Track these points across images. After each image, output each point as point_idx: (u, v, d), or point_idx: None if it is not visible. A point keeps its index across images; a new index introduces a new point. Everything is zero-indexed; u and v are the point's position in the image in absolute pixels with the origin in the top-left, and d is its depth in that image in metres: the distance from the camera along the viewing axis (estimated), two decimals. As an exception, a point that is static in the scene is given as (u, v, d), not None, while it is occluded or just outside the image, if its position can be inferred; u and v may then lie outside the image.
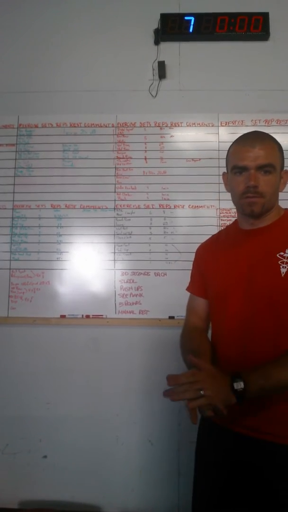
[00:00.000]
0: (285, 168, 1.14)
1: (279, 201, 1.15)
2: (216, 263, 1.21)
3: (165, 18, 2.07)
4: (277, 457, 1.00)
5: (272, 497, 0.99)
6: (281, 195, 1.15)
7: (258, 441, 1.02)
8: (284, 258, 1.04)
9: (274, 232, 1.11)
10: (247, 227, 1.15)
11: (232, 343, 1.10)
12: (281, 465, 1.00)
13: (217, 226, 1.99)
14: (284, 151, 1.95)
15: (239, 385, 0.91)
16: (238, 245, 1.16)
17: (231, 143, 1.18)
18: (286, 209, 1.17)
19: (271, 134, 1.15)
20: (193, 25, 2.06)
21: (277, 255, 1.05)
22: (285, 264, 1.03)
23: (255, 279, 1.08)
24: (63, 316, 2.00)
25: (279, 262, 1.04)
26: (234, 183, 1.11)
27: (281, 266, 1.03)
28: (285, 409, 1.01)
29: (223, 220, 1.98)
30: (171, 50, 2.11)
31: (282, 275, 1.03)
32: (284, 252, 1.04)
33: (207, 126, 2.06)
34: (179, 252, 2.00)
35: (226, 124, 2.06)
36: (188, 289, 1.35)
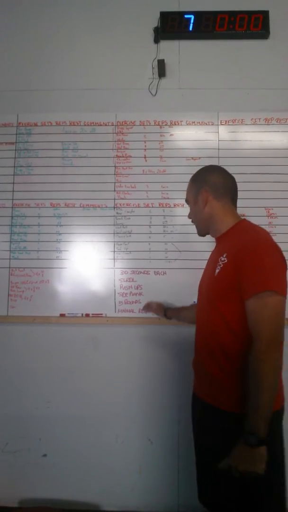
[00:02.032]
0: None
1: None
2: (205, 266, 1.51)
3: (165, 17, 2.07)
4: (217, 418, 1.27)
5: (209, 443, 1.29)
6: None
7: (207, 404, 1.31)
8: (221, 262, 1.28)
9: (223, 240, 1.37)
10: (213, 236, 1.45)
11: (197, 326, 1.44)
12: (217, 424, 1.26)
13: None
14: (283, 150, 1.97)
15: (257, 442, 1.09)
16: (212, 253, 1.47)
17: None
18: (241, 220, 1.38)
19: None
20: (193, 23, 2.06)
21: (218, 259, 1.30)
22: (219, 266, 1.28)
23: (205, 278, 1.42)
24: (62, 315, 2.00)
25: (217, 265, 1.30)
26: None
27: (217, 268, 1.29)
28: (226, 383, 1.25)
29: (222, 219, 1.98)
30: (170, 49, 2.11)
31: (215, 274, 1.29)
32: (222, 256, 1.28)
33: (207, 124, 2.06)
34: (179, 251, 2.00)
35: (226, 122, 2.06)
36: None
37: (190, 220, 1.48)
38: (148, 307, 1.89)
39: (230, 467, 1.12)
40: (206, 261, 1.49)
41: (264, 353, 1.13)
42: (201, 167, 1.47)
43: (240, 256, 1.21)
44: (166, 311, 1.82)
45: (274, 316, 1.15)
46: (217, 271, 1.29)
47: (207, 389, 1.33)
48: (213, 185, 1.38)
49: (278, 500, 1.23)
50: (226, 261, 1.26)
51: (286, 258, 1.25)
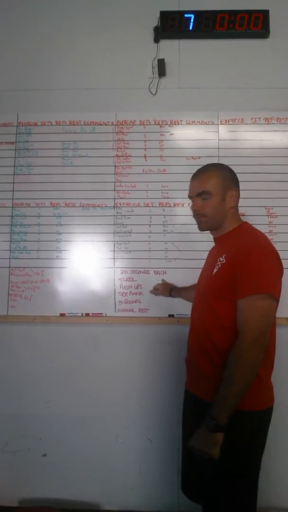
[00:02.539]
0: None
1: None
2: (204, 263, 1.55)
3: (165, 16, 2.07)
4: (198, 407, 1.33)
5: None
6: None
7: (200, 399, 1.35)
8: (219, 262, 1.32)
9: (223, 241, 1.40)
10: (214, 236, 1.47)
11: (191, 323, 1.48)
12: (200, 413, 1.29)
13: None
14: (283, 150, 1.97)
15: (214, 427, 1.18)
16: (211, 250, 1.52)
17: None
18: (243, 222, 1.42)
19: (220, 164, 1.49)
20: (193, 22, 2.06)
21: (217, 259, 1.33)
22: (217, 266, 1.32)
23: (203, 276, 1.47)
24: (62, 315, 2.00)
25: (215, 264, 1.33)
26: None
27: (215, 267, 1.33)
28: (218, 379, 1.26)
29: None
30: (170, 48, 2.11)
31: (213, 274, 1.33)
32: (221, 257, 1.32)
33: (207, 124, 2.06)
34: (179, 250, 2.00)
35: (226, 122, 2.05)
36: None
37: (195, 210, 1.40)
38: (155, 290, 1.90)
39: (190, 446, 1.23)
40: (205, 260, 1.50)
41: (245, 351, 1.18)
42: (203, 164, 1.47)
43: (239, 258, 1.25)
44: (171, 291, 1.85)
45: (262, 318, 1.20)
46: (215, 270, 1.33)
47: (199, 384, 1.37)
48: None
49: (250, 499, 1.32)
50: (224, 261, 1.30)
51: (285, 258, 1.27)
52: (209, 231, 1.46)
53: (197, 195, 1.39)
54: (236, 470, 1.25)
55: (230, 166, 1.47)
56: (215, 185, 1.37)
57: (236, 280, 1.24)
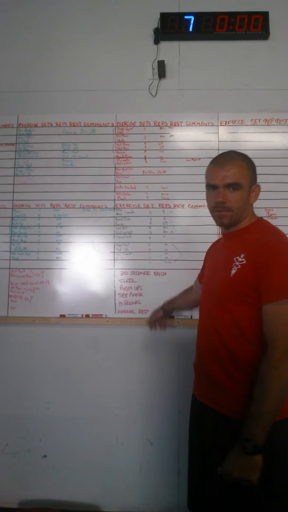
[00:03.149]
0: (258, 182, 1.31)
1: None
2: (209, 261, 1.48)
3: (165, 17, 2.07)
4: (228, 426, 1.19)
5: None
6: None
7: (216, 411, 1.25)
8: (237, 262, 1.20)
9: (238, 238, 1.28)
10: (224, 231, 1.37)
11: (200, 328, 1.37)
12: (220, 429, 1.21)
13: (217, 225, 1.99)
14: (283, 151, 1.96)
15: (254, 449, 1.05)
16: (220, 248, 1.41)
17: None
18: (259, 218, 1.33)
19: (244, 153, 1.32)
20: (193, 24, 2.06)
21: (234, 259, 1.22)
22: (236, 267, 1.20)
23: (215, 277, 1.32)
24: (62, 316, 2.00)
25: (232, 265, 1.21)
26: (207, 198, 1.32)
27: (232, 268, 1.21)
28: (238, 392, 1.19)
29: (222, 219, 1.98)
30: (170, 50, 2.11)
31: (231, 275, 1.21)
32: (239, 256, 1.21)
33: (206, 125, 2.06)
34: (179, 252, 2.00)
35: (226, 123, 2.06)
36: (198, 275, 1.70)
37: (222, 203, 1.24)
38: (152, 324, 1.79)
39: (223, 472, 1.08)
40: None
41: (279, 361, 1.08)
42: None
43: (263, 258, 1.14)
44: (163, 309, 1.77)
45: None
46: (233, 271, 1.20)
47: (217, 397, 1.25)
48: None
49: None
50: (244, 262, 1.18)
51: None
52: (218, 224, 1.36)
53: (226, 185, 1.23)
54: (273, 490, 1.11)
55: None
56: (246, 177, 1.24)
57: (261, 283, 1.13)
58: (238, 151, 1.33)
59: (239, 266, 1.19)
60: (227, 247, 1.32)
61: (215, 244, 1.52)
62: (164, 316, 1.78)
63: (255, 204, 1.87)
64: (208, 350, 1.29)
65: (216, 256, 1.40)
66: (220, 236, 1.54)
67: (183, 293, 1.71)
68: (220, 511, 1.20)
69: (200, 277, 1.62)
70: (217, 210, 1.26)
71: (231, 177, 1.22)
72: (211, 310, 1.29)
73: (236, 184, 1.22)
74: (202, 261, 1.63)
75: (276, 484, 1.12)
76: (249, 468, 1.05)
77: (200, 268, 1.65)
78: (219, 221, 1.29)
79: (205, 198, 1.35)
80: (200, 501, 1.32)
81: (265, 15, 2.03)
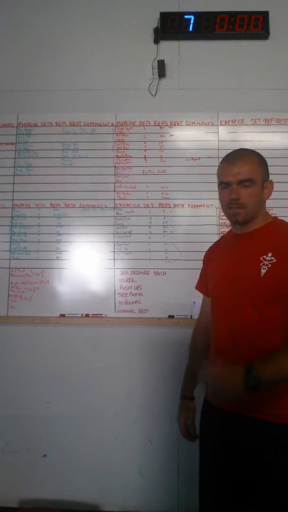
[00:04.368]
0: (270, 178, 1.29)
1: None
2: (215, 263, 1.38)
3: (165, 17, 2.07)
4: (258, 432, 1.12)
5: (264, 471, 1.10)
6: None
7: (247, 417, 1.14)
8: (266, 261, 1.17)
9: (259, 237, 1.25)
10: (237, 231, 1.31)
11: (221, 332, 1.27)
12: (261, 439, 1.12)
13: (217, 225, 2.00)
14: (283, 151, 1.96)
15: (253, 382, 1.01)
16: (231, 248, 1.32)
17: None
18: (275, 217, 1.32)
19: (254, 150, 1.30)
20: (193, 23, 2.06)
21: (260, 258, 1.18)
22: (265, 266, 1.17)
23: (241, 278, 1.23)
24: (62, 315, 2.00)
25: (261, 264, 1.17)
26: (221, 196, 1.28)
27: (262, 268, 1.17)
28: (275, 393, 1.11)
29: (222, 219, 1.98)
30: (170, 49, 2.11)
31: (262, 275, 1.16)
32: (266, 255, 1.17)
33: (206, 125, 2.06)
34: (179, 251, 2.00)
35: (226, 123, 2.06)
36: (196, 286, 1.53)
37: (235, 200, 1.21)
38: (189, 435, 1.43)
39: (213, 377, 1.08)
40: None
41: None
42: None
43: None
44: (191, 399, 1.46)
45: None
46: (263, 271, 1.16)
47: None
48: None
49: None
50: (274, 260, 1.15)
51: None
52: (232, 225, 1.34)
53: (239, 182, 1.21)
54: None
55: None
56: (259, 173, 1.23)
57: None
58: (248, 148, 1.32)
59: (269, 266, 1.16)
60: (246, 247, 1.26)
61: (215, 248, 1.45)
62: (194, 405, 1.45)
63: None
64: (233, 357, 1.19)
65: (229, 257, 1.31)
66: (219, 237, 1.54)
67: (194, 356, 1.48)
68: None
69: (203, 288, 1.47)
70: (231, 207, 1.23)
71: (244, 174, 1.21)
72: (239, 314, 1.21)
73: (249, 180, 1.21)
74: (201, 261, 1.52)
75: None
76: (235, 394, 1.04)
77: (199, 274, 1.52)
78: (234, 219, 1.25)
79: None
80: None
81: (265, 15, 2.03)
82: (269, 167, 2.00)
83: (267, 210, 1.32)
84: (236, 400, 1.05)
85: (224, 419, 1.19)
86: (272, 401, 1.12)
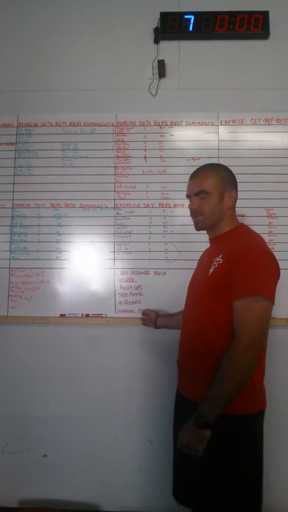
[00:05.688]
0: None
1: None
2: (196, 266, 1.55)
3: (165, 17, 2.07)
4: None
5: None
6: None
7: (189, 401, 1.36)
8: (215, 262, 1.31)
9: (220, 241, 1.40)
10: (209, 236, 1.48)
11: (183, 326, 1.47)
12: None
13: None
14: (283, 151, 1.96)
15: (202, 422, 1.18)
16: (205, 252, 1.52)
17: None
18: (241, 223, 1.43)
19: (220, 164, 1.51)
20: (193, 23, 2.06)
21: (214, 259, 1.33)
22: (213, 266, 1.31)
23: (197, 278, 1.44)
24: (62, 315, 2.00)
25: (211, 265, 1.33)
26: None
27: (211, 267, 1.32)
28: (205, 381, 1.27)
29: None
30: (171, 49, 2.11)
31: (209, 274, 1.32)
32: (218, 257, 1.31)
33: (207, 125, 2.06)
34: (179, 251, 2.00)
35: (226, 123, 2.05)
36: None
37: (193, 209, 1.41)
38: (145, 318, 1.91)
39: (178, 441, 1.23)
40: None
41: (240, 353, 1.18)
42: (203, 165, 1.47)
43: (235, 258, 1.25)
44: (156, 320, 1.84)
45: (258, 320, 1.20)
46: (211, 270, 1.32)
47: (196, 389, 1.33)
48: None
49: (254, 507, 1.30)
50: (221, 261, 1.29)
51: (285, 258, 1.26)
52: (206, 232, 1.47)
53: (195, 194, 1.39)
54: (233, 475, 1.25)
55: (230, 167, 1.48)
56: (213, 185, 1.38)
57: (232, 281, 1.24)
58: (214, 163, 1.50)
59: (216, 266, 1.30)
60: (210, 251, 1.44)
61: (206, 249, 1.56)
62: (153, 320, 1.86)
63: (256, 204, 1.89)
64: (188, 345, 1.39)
65: (202, 260, 1.51)
66: None
67: (179, 313, 1.69)
68: (201, 497, 1.31)
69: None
70: (192, 216, 1.43)
71: (198, 186, 1.38)
72: (192, 308, 1.41)
73: (204, 192, 1.37)
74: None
75: (244, 469, 1.27)
76: (197, 440, 1.18)
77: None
78: (195, 226, 1.44)
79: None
80: (184, 490, 1.45)
81: (265, 15, 2.03)
82: (269, 167, 2.01)
83: (237, 218, 1.45)
84: (202, 442, 1.18)
85: (190, 406, 1.32)
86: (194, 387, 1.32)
